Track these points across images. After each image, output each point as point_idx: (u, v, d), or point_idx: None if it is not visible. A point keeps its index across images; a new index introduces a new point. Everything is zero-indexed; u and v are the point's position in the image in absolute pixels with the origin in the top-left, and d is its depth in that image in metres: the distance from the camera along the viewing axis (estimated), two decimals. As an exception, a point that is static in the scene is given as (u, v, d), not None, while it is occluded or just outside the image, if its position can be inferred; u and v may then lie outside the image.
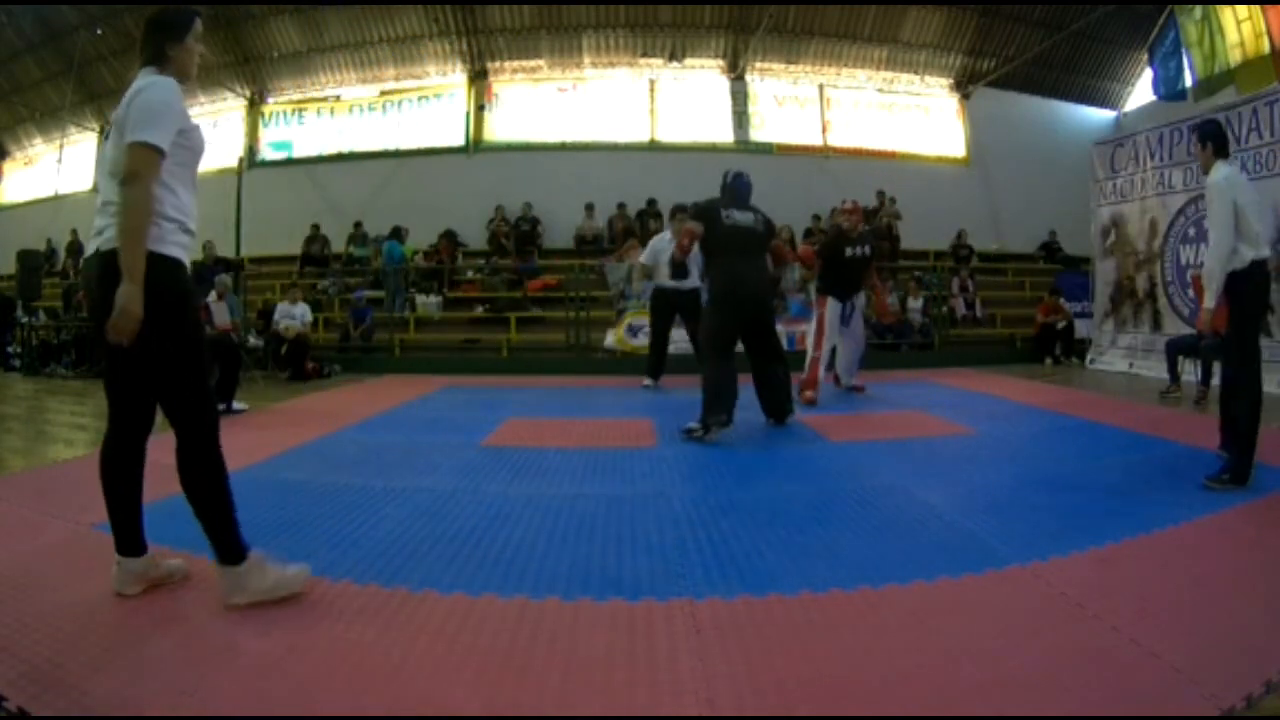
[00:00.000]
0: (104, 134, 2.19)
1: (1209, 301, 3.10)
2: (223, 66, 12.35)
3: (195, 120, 1.98)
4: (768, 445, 4.07)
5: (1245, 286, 3.01)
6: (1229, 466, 3.00)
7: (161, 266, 1.82)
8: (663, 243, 6.36)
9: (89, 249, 1.92)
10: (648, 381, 6.68)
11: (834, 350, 5.88)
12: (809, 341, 5.82)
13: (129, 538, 1.95)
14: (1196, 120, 3.15)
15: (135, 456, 1.97)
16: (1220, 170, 3.13)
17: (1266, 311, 3.31)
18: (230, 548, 1.88)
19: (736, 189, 4.56)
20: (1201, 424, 4.67)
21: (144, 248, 1.78)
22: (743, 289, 4.32)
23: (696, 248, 4.66)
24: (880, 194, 11.09)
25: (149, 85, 1.86)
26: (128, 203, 1.77)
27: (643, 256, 6.77)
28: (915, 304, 9.54)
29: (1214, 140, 3.19)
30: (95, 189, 1.92)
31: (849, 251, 5.63)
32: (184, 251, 1.92)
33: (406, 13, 11.75)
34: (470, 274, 10.98)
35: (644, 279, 6.86)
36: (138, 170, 1.78)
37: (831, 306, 5.68)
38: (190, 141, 1.92)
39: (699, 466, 3.54)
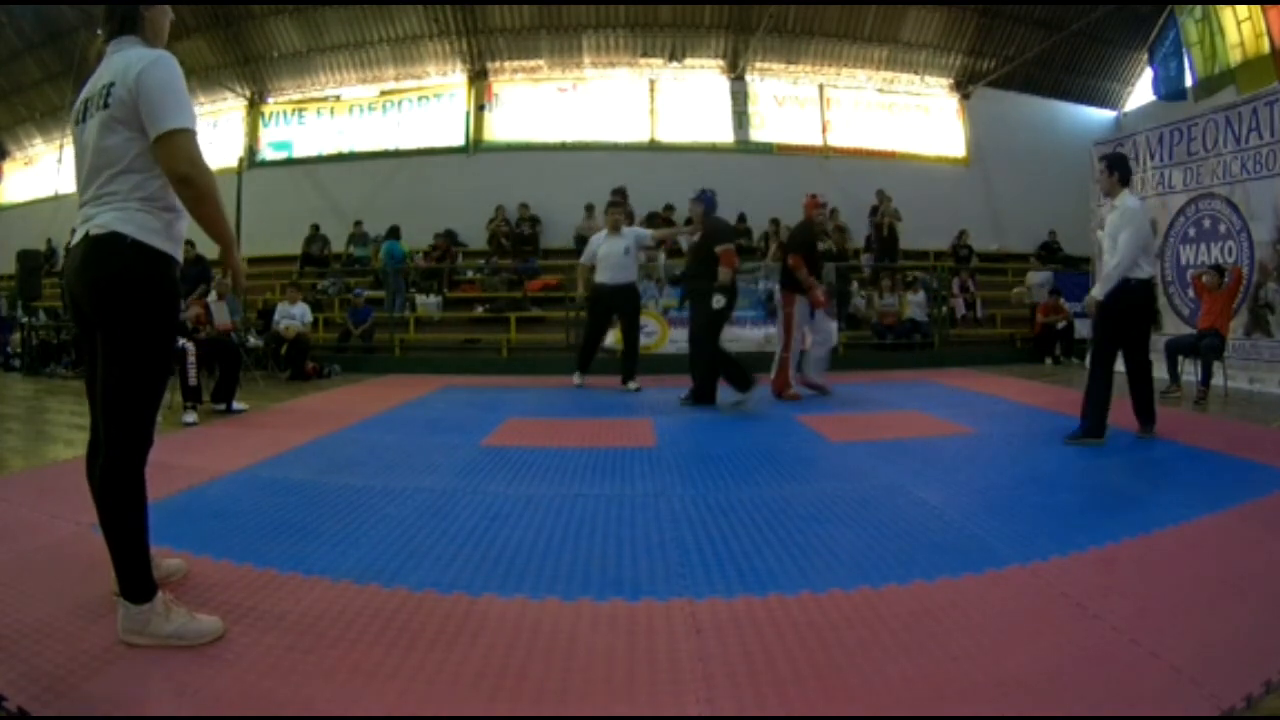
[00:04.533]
0: (82, 119, 1.84)
1: (1099, 294, 3.87)
2: (223, 66, 12.37)
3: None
4: (768, 445, 4.07)
5: (1138, 299, 3.87)
6: (1085, 427, 3.91)
7: (153, 261, 1.71)
8: (598, 241, 6.43)
9: (76, 236, 1.75)
10: (577, 379, 6.63)
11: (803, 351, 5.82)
12: (777, 341, 5.84)
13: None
14: (1105, 152, 4.02)
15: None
16: (1129, 198, 3.90)
17: (1151, 323, 4.12)
18: (135, 583, 1.70)
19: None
20: (1202, 424, 4.67)
21: (227, 224, 1.81)
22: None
23: (629, 243, 6.29)
24: (880, 193, 11.09)
25: (154, 63, 1.71)
26: (204, 193, 1.71)
27: (583, 258, 6.56)
28: (916, 298, 9.52)
29: (1119, 170, 3.94)
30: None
31: (821, 245, 5.71)
32: (176, 247, 1.80)
33: (406, 13, 11.75)
34: (470, 274, 10.99)
35: (584, 292, 6.59)
36: (194, 158, 1.70)
37: (800, 304, 5.62)
38: None
39: (699, 466, 3.54)
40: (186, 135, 1.70)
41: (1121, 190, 3.93)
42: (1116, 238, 3.81)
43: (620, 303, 6.36)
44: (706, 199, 5.50)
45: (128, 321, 1.70)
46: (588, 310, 6.65)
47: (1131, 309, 3.88)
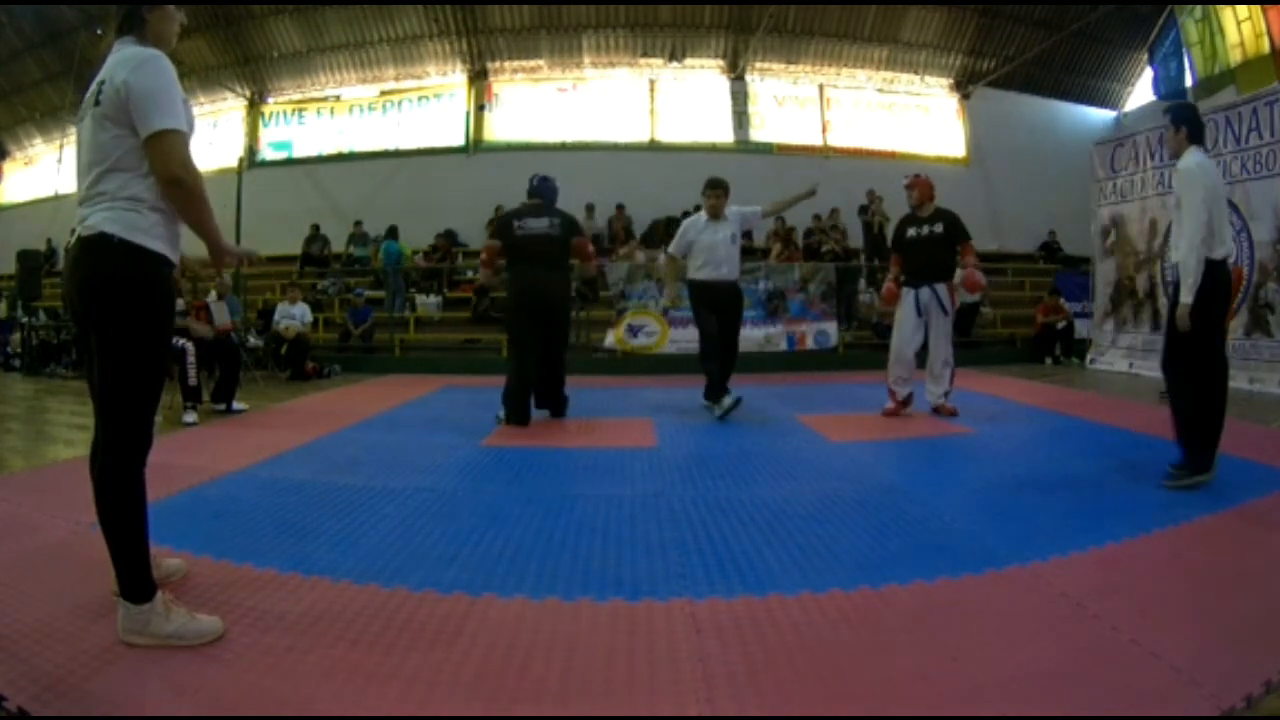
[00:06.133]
0: (82, 116, 1.86)
1: (1186, 297, 2.91)
2: (223, 66, 12.38)
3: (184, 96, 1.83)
4: (768, 445, 4.07)
5: (1205, 285, 2.91)
6: (1185, 460, 3.01)
7: (143, 260, 1.71)
8: (695, 228, 5.09)
9: (72, 239, 1.76)
10: (718, 409, 4.90)
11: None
12: None
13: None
14: (1168, 105, 3.09)
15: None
16: (1194, 156, 3.02)
17: (1227, 314, 3.11)
18: (134, 583, 1.71)
19: (538, 193, 4.77)
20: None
21: (214, 223, 1.79)
22: (531, 294, 4.61)
23: (735, 229, 5.04)
24: (870, 193, 11.06)
25: (144, 63, 1.71)
26: (192, 195, 1.72)
27: (672, 246, 5.27)
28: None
29: (1189, 124, 3.07)
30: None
31: (911, 232, 4.91)
32: (171, 246, 1.79)
33: (406, 13, 11.76)
34: (470, 274, 10.99)
35: (671, 293, 5.45)
36: (184, 160, 1.70)
37: (901, 298, 4.92)
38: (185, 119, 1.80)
39: (699, 466, 3.53)
40: (176, 136, 1.70)
41: (1189, 148, 3.05)
42: (1181, 211, 2.96)
43: (724, 304, 5.09)
44: (543, 187, 4.80)
45: (118, 321, 1.70)
46: (696, 313, 5.14)
47: (1208, 296, 2.93)
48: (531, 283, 4.61)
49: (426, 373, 8.31)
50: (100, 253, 1.69)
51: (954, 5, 11.83)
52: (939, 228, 4.84)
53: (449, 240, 11.38)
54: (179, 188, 1.71)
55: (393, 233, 10.82)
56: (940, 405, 4.90)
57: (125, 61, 1.72)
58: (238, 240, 10.40)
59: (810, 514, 2.72)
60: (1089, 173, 8.68)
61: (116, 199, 1.71)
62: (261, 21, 12.06)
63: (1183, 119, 3.09)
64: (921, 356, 4.99)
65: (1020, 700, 1.48)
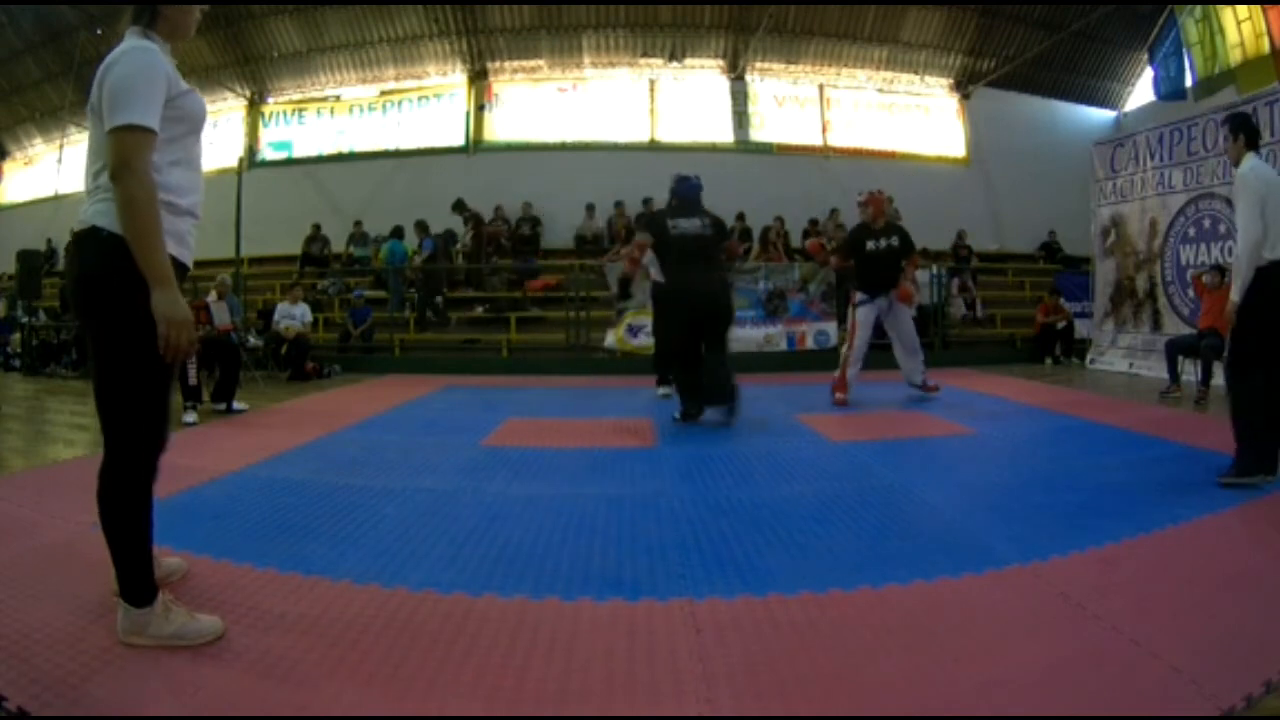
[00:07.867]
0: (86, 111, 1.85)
1: (1235, 295, 3.04)
2: (223, 66, 12.37)
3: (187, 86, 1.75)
4: (768, 445, 4.07)
5: (1259, 285, 2.98)
6: (1237, 463, 3.03)
7: (131, 254, 1.64)
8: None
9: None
10: (662, 390, 5.93)
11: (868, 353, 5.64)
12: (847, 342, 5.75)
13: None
14: (1224, 113, 3.07)
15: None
16: (1250, 162, 3.12)
17: None
18: (135, 587, 1.69)
19: (684, 195, 4.77)
20: (1201, 424, 4.67)
21: (162, 242, 1.61)
22: (692, 293, 4.57)
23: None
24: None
25: (118, 58, 1.64)
26: (126, 199, 1.58)
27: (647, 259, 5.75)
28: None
29: (1245, 132, 3.18)
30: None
31: (870, 245, 5.47)
32: (174, 239, 1.71)
33: (406, 13, 11.75)
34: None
35: (644, 280, 5.79)
36: (127, 159, 1.58)
37: (861, 307, 5.55)
38: (182, 110, 1.72)
39: (699, 466, 3.54)
40: (129, 133, 1.59)
41: (1247, 155, 3.15)
42: (1237, 215, 3.10)
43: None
44: (683, 188, 4.85)
45: (110, 317, 1.67)
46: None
47: (1270, 298, 2.98)
48: (692, 281, 4.57)
49: (426, 373, 8.31)
50: (92, 247, 1.67)
51: (954, 5, 11.82)
52: (895, 241, 5.48)
53: (446, 240, 11.36)
54: (117, 185, 1.61)
55: (398, 233, 10.81)
56: (922, 384, 5.64)
57: (112, 54, 1.68)
58: (238, 240, 10.41)
59: (810, 514, 2.73)
60: (1089, 173, 8.68)
61: (110, 193, 1.67)
62: (261, 21, 12.04)
63: (1240, 128, 3.20)
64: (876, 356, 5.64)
65: (1021, 700, 1.48)
